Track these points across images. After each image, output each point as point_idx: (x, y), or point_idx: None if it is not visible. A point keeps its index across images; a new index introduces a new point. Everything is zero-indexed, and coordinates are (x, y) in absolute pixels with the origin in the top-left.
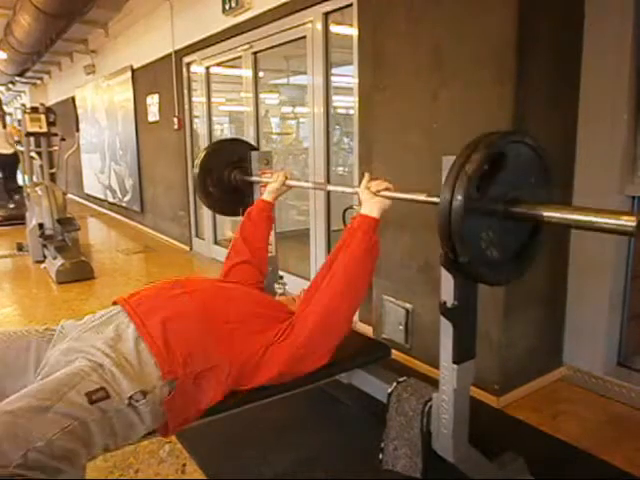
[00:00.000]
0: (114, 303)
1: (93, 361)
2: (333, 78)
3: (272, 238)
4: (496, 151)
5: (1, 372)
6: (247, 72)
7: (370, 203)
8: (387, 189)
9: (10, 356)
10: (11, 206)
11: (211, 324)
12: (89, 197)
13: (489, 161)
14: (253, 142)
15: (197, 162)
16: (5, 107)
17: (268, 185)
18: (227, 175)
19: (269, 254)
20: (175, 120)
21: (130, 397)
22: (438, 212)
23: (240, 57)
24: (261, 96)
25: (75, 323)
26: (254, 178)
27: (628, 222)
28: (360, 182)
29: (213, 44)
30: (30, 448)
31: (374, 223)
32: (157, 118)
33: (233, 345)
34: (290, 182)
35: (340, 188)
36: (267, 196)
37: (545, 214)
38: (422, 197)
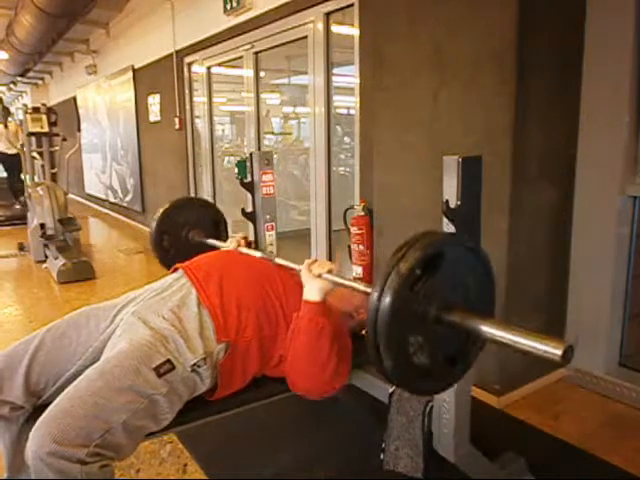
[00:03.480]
0: (175, 270)
1: (158, 331)
2: (334, 78)
3: (273, 238)
4: (435, 252)
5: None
6: (248, 72)
7: (310, 286)
8: (329, 271)
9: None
10: (17, 206)
11: (264, 298)
12: (90, 197)
13: (426, 261)
14: (253, 142)
15: (155, 217)
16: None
17: (222, 248)
18: (185, 234)
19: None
20: (176, 120)
21: (193, 364)
22: (368, 308)
23: (241, 57)
24: (262, 96)
25: (137, 291)
26: (209, 241)
27: (555, 350)
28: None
29: (214, 44)
30: (108, 428)
31: (317, 307)
32: (158, 118)
33: (280, 324)
34: (242, 249)
35: (286, 263)
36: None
37: (480, 327)
38: (361, 287)
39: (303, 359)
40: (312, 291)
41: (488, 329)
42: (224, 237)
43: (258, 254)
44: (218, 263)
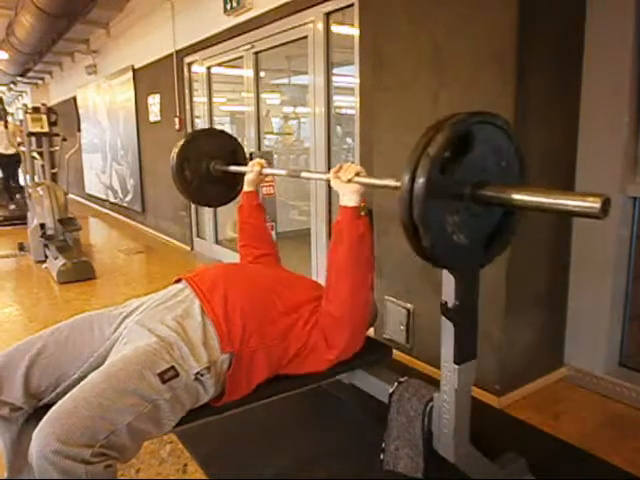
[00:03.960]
0: (177, 280)
1: (163, 338)
2: (334, 78)
3: (273, 238)
4: (462, 130)
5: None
6: (248, 72)
7: (344, 191)
8: (357, 174)
9: (78, 337)
10: (11, 207)
11: (268, 307)
12: (90, 197)
13: (454, 142)
14: (253, 142)
15: (175, 150)
16: (7, 107)
17: (245, 177)
18: (205, 166)
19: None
20: (176, 120)
21: (197, 373)
22: (399, 196)
23: (241, 57)
24: (262, 96)
25: (141, 299)
26: (232, 168)
27: (594, 204)
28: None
29: (214, 44)
30: (113, 429)
31: (355, 211)
32: (158, 118)
33: (289, 331)
34: (265, 170)
35: (313, 175)
36: (247, 188)
37: (514, 197)
38: (392, 182)
39: (347, 266)
40: (347, 196)
41: (523, 197)
42: (244, 164)
43: (283, 172)
44: (222, 275)
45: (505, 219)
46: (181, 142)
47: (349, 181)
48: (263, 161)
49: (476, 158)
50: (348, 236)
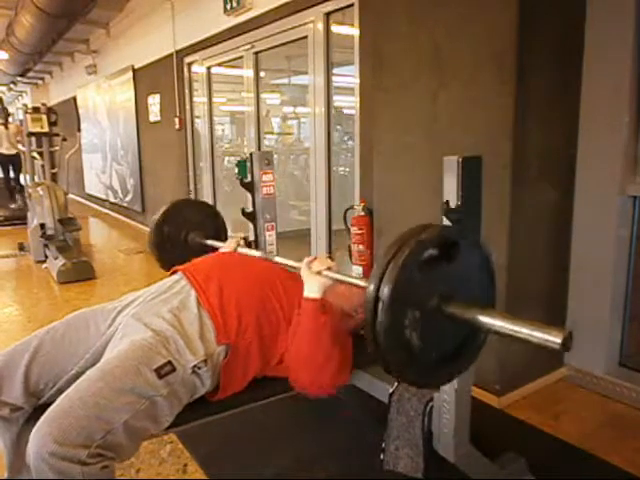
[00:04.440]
0: (173, 272)
1: (159, 333)
2: (334, 78)
3: (273, 238)
4: (450, 239)
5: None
6: (248, 72)
7: (310, 283)
8: (329, 268)
9: (74, 333)
10: (12, 206)
11: (263, 298)
12: (90, 197)
13: (442, 245)
14: (253, 142)
15: (154, 219)
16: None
17: (221, 249)
18: (184, 236)
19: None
20: (176, 120)
21: (193, 366)
22: (365, 299)
23: (241, 57)
24: (262, 96)
25: (136, 293)
26: (209, 241)
27: (555, 338)
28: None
29: (214, 44)
30: (109, 429)
31: (318, 304)
32: (158, 118)
33: (281, 325)
34: (240, 250)
35: (286, 261)
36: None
37: (481, 318)
38: (361, 282)
39: (305, 355)
40: (312, 288)
41: (488, 320)
42: (223, 238)
43: (257, 254)
44: (217, 265)
45: (471, 336)
46: (159, 213)
47: (319, 273)
48: (241, 240)
49: (447, 270)
50: (307, 328)
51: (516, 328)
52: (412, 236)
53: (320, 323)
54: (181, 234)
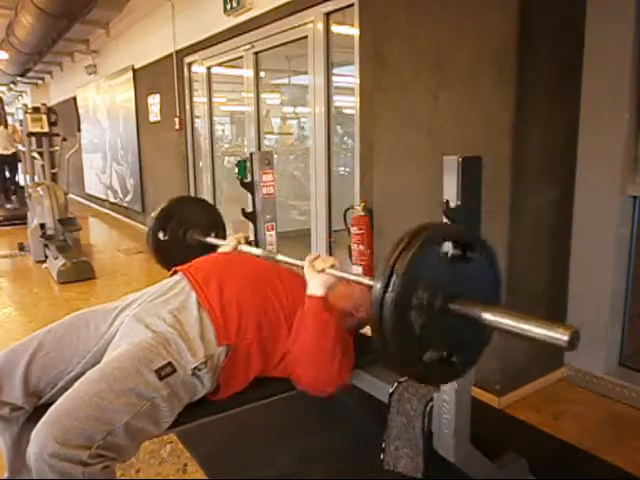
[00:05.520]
0: (174, 272)
1: (159, 334)
2: (334, 78)
3: (273, 238)
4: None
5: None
6: (248, 72)
7: (314, 281)
8: (332, 266)
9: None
10: (8, 206)
11: (265, 299)
12: (90, 197)
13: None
14: (253, 142)
15: (152, 217)
16: (6, 107)
17: (221, 247)
18: (182, 234)
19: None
20: (176, 120)
21: (194, 368)
22: (372, 298)
23: (241, 57)
24: (262, 96)
25: (137, 293)
26: (209, 239)
27: (562, 336)
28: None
29: (214, 44)
30: (110, 430)
31: (320, 302)
32: (158, 118)
33: (282, 325)
34: (241, 247)
35: (288, 259)
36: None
37: (486, 315)
38: (365, 280)
39: (308, 353)
40: (316, 286)
41: (493, 317)
42: (222, 236)
43: (259, 252)
44: (217, 266)
45: (478, 333)
46: (157, 210)
47: (322, 271)
48: (242, 238)
49: (455, 268)
50: (310, 326)
51: (523, 326)
52: (419, 233)
53: (324, 320)
54: (180, 233)
